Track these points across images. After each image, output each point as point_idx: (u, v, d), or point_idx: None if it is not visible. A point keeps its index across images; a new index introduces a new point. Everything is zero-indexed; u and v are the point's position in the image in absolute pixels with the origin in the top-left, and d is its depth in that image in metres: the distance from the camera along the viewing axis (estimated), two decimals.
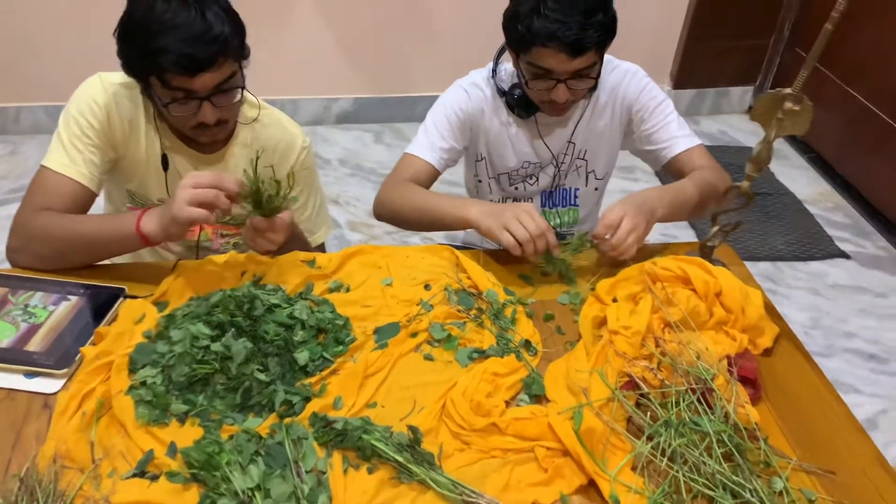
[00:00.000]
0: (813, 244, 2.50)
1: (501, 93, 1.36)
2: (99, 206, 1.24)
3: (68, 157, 1.14)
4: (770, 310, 1.08)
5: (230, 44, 1.07)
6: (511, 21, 1.20)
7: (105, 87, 1.17)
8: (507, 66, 1.37)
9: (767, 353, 1.03)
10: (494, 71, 1.37)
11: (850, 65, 2.75)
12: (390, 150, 2.86)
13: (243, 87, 1.15)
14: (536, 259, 1.15)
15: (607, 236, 1.11)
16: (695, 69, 3.17)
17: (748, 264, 1.26)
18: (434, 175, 1.35)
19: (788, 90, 0.94)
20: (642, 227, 1.12)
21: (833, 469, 0.86)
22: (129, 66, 1.11)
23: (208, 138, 1.19)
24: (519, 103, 1.35)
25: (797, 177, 2.91)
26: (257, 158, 1.02)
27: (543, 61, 1.20)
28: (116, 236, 1.07)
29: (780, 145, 3.13)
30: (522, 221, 1.09)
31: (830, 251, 2.47)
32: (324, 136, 2.91)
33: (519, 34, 1.19)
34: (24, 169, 2.61)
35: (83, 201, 1.16)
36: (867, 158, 2.73)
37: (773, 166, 2.95)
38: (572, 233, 1.53)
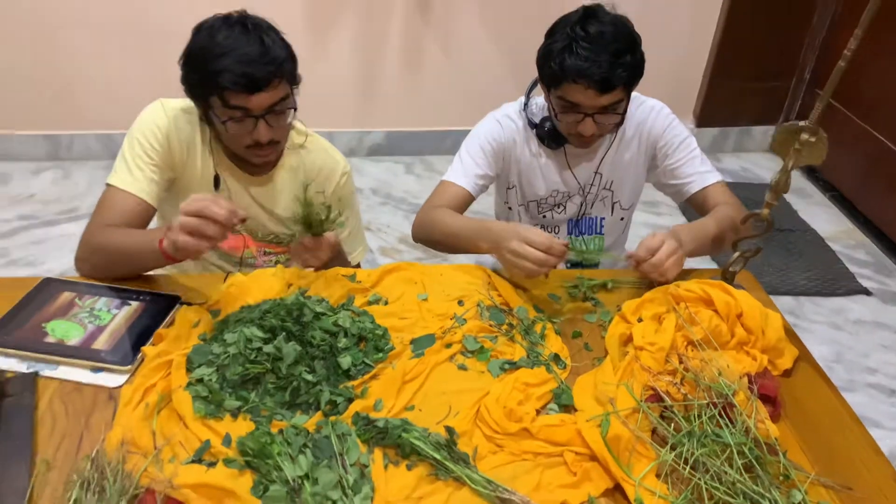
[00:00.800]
0: (835, 280, 2.52)
1: (532, 125, 1.44)
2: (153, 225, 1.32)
3: (131, 175, 1.24)
4: (790, 333, 1.11)
5: (285, 67, 1.17)
6: (544, 58, 1.29)
7: (166, 111, 1.27)
8: (538, 99, 1.45)
9: (787, 374, 1.07)
10: (526, 104, 1.45)
11: (870, 104, 2.80)
12: (420, 181, 2.96)
13: (295, 109, 1.23)
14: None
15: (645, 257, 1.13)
16: (717, 108, 3.24)
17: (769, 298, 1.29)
18: (469, 200, 1.43)
19: (804, 122, 1.00)
20: (680, 252, 1.16)
21: (850, 486, 0.89)
22: (192, 90, 1.20)
23: (261, 159, 1.27)
24: (549, 135, 1.42)
25: (819, 214, 2.94)
26: (308, 185, 1.10)
27: (573, 96, 1.27)
28: (147, 250, 1.11)
29: (802, 183, 3.16)
30: (524, 255, 1.11)
31: (852, 287, 2.48)
32: (357, 166, 3.02)
33: (551, 70, 1.27)
34: (74, 193, 2.74)
35: (144, 216, 1.25)
36: (887, 196, 2.76)
37: (796, 203, 2.98)
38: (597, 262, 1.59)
